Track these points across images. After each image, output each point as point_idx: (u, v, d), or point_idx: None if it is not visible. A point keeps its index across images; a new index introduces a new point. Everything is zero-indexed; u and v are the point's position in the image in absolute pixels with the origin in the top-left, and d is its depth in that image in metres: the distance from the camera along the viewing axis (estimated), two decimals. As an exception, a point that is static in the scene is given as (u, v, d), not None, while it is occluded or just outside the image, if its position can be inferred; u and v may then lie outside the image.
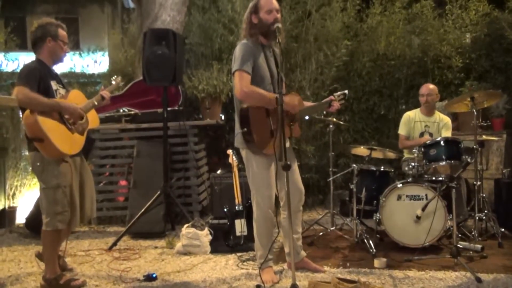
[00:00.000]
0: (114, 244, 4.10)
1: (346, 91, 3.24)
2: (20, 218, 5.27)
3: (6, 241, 4.51)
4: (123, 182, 5.35)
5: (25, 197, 5.70)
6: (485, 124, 4.15)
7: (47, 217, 3.07)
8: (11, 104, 2.90)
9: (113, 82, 3.80)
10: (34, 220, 4.45)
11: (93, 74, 8.28)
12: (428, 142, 3.82)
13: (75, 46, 13.96)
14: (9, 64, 6.41)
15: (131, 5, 8.98)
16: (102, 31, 12.52)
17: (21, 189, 5.84)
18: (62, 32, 3.28)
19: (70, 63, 8.36)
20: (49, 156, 3.02)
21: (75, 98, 3.29)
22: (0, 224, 5.12)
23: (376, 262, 3.36)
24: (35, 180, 5.72)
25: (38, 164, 3.07)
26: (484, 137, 4.18)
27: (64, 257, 3.56)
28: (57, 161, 3.08)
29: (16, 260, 3.83)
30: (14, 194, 5.75)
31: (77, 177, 3.27)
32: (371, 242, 3.69)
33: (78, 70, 7.83)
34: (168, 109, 4.55)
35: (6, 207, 5.30)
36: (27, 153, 5.43)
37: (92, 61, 8.67)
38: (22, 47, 7.38)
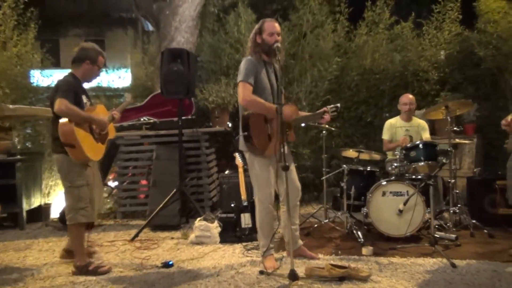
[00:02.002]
0: (136, 235, 4.11)
1: (338, 105, 3.23)
2: (55, 213, 5.30)
3: (43, 234, 4.53)
4: (143, 182, 5.36)
5: (59, 195, 5.72)
6: (458, 129, 4.13)
7: (70, 212, 3.10)
8: (47, 115, 2.93)
9: (126, 99, 3.87)
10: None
11: (118, 88, 8.31)
12: (408, 145, 3.80)
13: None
14: (44, 80, 6.45)
15: (151, 28, 9.01)
16: (125, 50, 12.58)
17: (55, 188, 5.88)
18: (102, 60, 3.31)
19: (98, 78, 8.39)
20: (76, 160, 3.06)
21: (101, 111, 3.35)
22: (37, 218, 5.14)
23: (364, 250, 3.35)
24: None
25: (65, 166, 3.10)
26: (457, 140, 4.16)
27: (92, 246, 3.58)
28: (82, 164, 3.13)
29: (50, 250, 3.84)
30: (49, 192, 5.79)
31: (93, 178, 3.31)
32: (359, 233, 3.67)
33: (104, 84, 7.86)
34: (183, 118, 4.56)
35: (43, 203, 5.32)
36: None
37: (117, 77, 8.70)
38: (56, 65, 7.43)
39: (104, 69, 9.33)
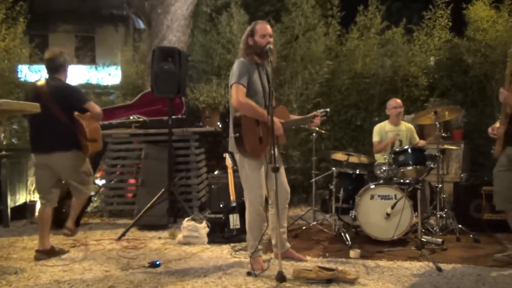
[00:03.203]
0: (123, 234, 4.07)
1: (328, 109, 3.24)
2: (40, 211, 5.21)
3: (27, 231, 4.46)
4: (132, 181, 5.31)
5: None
6: (446, 135, 4.17)
7: (87, 189, 3.69)
8: (35, 110, 2.94)
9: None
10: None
11: (107, 85, 8.24)
12: (397, 149, 3.84)
13: (92, 61, 13.94)
14: (32, 75, 6.36)
15: (142, 26, 8.96)
16: (116, 48, 12.47)
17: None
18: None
19: (87, 75, 8.31)
20: (91, 151, 3.57)
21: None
22: (22, 216, 5.06)
23: (352, 253, 3.36)
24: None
25: (79, 159, 3.56)
26: (445, 146, 4.20)
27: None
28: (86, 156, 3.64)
29: (35, 248, 3.76)
30: (34, 189, 5.69)
31: None
32: (347, 235, 3.69)
33: (94, 82, 7.78)
34: (173, 117, 4.54)
35: (28, 201, 5.23)
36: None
37: (107, 74, 8.62)
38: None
39: (94, 66, 9.27)
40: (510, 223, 3.21)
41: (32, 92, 3.50)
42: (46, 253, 3.45)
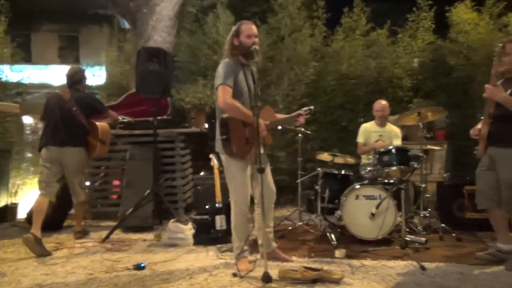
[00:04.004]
0: (107, 236, 4.02)
1: (312, 107, 3.26)
2: (22, 214, 5.12)
3: (9, 234, 4.38)
4: (116, 182, 5.25)
5: (26, 195, 5.53)
6: (429, 135, 4.23)
7: (84, 194, 4.15)
8: (15, 111, 2.97)
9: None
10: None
11: (91, 86, 8.12)
12: (382, 149, 3.87)
13: (76, 61, 13.72)
14: (14, 75, 6.23)
15: (127, 26, 8.88)
16: (100, 48, 12.29)
17: (22, 187, 5.68)
18: None
19: (70, 75, 8.15)
20: (98, 154, 4.19)
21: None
22: (3, 218, 4.96)
23: (337, 253, 3.38)
24: (36, 179, 5.59)
25: (84, 157, 4.10)
26: (428, 146, 4.27)
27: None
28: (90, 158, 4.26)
29: (16, 252, 3.72)
30: (16, 191, 5.58)
31: None
32: (333, 235, 3.72)
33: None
34: (158, 118, 4.50)
35: (9, 203, 5.13)
36: (29, 155, 5.44)
37: (91, 74, 8.49)
38: (27, 60, 7.20)
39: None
40: (492, 222, 3.27)
41: (55, 98, 4.09)
42: (36, 240, 3.58)
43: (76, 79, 4.21)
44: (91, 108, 4.15)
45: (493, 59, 3.08)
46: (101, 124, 4.15)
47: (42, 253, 3.55)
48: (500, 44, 3.05)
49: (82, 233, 4.21)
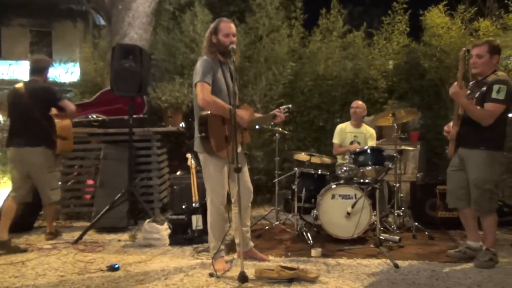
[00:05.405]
0: (80, 237, 3.92)
1: (290, 105, 3.29)
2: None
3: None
4: (90, 182, 5.13)
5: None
6: (403, 136, 4.32)
7: (53, 195, 3.92)
8: None
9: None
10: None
11: (64, 83, 7.95)
12: (357, 150, 3.93)
13: (48, 56, 13.33)
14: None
15: (102, 22, 8.70)
16: (74, 44, 12.02)
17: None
18: None
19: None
20: (62, 150, 3.94)
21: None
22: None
23: (313, 252, 3.41)
24: (5, 178, 5.41)
25: (49, 155, 3.86)
26: (402, 146, 4.36)
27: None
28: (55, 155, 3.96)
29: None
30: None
31: None
32: (309, 234, 3.74)
33: (50, 79, 7.46)
34: (134, 116, 4.42)
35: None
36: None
37: (64, 71, 8.30)
38: (-4, 54, 6.97)
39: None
40: (462, 220, 3.37)
41: (13, 94, 3.86)
42: (1, 244, 3.54)
43: (38, 67, 3.95)
44: (45, 100, 3.85)
45: (458, 63, 3.18)
46: (60, 120, 3.90)
47: (15, 252, 3.52)
48: (464, 49, 3.15)
49: (54, 235, 4.08)
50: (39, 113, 3.79)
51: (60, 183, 4.52)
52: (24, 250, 3.60)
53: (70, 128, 3.98)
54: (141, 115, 5.16)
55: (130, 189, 4.22)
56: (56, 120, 3.86)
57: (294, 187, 4.07)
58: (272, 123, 3.83)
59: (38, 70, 3.94)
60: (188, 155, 4.03)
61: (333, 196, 3.80)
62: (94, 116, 5.34)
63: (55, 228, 4.18)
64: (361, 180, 4.03)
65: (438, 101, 5.95)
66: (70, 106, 3.94)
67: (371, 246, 3.49)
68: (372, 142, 4.61)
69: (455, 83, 3.13)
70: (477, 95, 3.14)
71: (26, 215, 4.34)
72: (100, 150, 4.95)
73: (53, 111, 3.90)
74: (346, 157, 4.04)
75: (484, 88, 3.08)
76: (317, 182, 4.12)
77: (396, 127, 4.00)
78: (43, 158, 3.84)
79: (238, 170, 2.72)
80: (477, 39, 4.60)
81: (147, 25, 6.08)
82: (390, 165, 3.75)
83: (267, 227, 4.20)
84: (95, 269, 3.12)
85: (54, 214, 4.16)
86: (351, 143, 4.63)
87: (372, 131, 4.70)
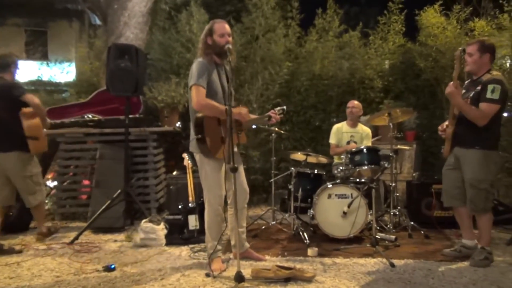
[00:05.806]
0: (76, 238, 3.90)
1: (285, 107, 3.29)
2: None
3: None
4: (86, 182, 5.12)
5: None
6: (399, 136, 4.34)
7: (34, 199, 3.79)
8: None
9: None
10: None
11: (60, 82, 7.91)
12: (353, 149, 3.94)
13: (43, 56, 13.28)
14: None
15: (98, 21, 8.67)
16: (70, 44, 11.97)
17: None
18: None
19: (38, 72, 7.93)
20: (35, 151, 3.70)
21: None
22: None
23: (310, 251, 3.42)
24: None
25: (25, 158, 3.67)
26: (398, 146, 4.38)
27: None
28: (35, 155, 3.78)
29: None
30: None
31: None
32: (305, 234, 3.75)
33: (45, 78, 7.44)
34: (130, 116, 4.41)
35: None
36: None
37: (59, 71, 8.25)
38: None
39: (45, 62, 8.85)
40: (458, 219, 3.39)
41: None
42: None
43: (1, 63, 3.67)
44: (11, 99, 3.56)
45: (454, 62, 3.20)
46: (27, 119, 3.64)
47: (10, 253, 3.49)
48: (460, 48, 3.17)
49: (47, 234, 4.01)
50: (5, 113, 3.56)
51: (56, 183, 4.51)
52: (19, 252, 3.57)
53: (40, 127, 3.72)
54: (137, 115, 5.15)
55: (126, 189, 4.21)
56: (23, 120, 3.61)
57: (290, 186, 4.07)
58: (266, 126, 3.84)
59: (1, 66, 3.69)
60: (185, 155, 4.03)
61: (329, 196, 3.81)
62: (90, 116, 5.33)
63: (47, 228, 4.13)
64: (357, 180, 4.03)
65: (434, 100, 5.97)
66: (34, 100, 3.62)
67: (367, 245, 3.50)
68: (368, 142, 4.62)
69: (451, 83, 3.15)
70: (471, 94, 3.16)
71: (22, 215, 4.33)
72: (96, 150, 4.93)
73: (24, 110, 3.66)
74: (342, 157, 4.05)
75: (479, 88, 3.10)
76: (314, 181, 4.13)
77: (391, 126, 4.01)
78: (19, 164, 3.65)
79: (234, 170, 2.72)
80: (472, 39, 4.62)
81: (143, 25, 6.07)
82: (386, 165, 3.76)
83: (263, 227, 4.20)
84: (91, 269, 3.11)
85: (41, 214, 4.03)
86: (348, 142, 4.64)
87: (368, 131, 4.72)
